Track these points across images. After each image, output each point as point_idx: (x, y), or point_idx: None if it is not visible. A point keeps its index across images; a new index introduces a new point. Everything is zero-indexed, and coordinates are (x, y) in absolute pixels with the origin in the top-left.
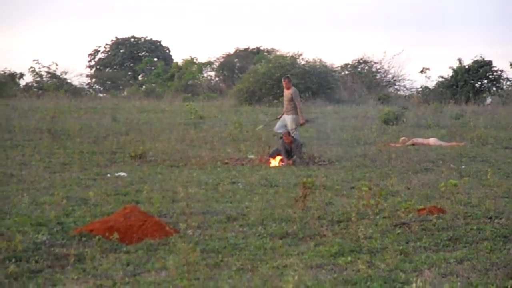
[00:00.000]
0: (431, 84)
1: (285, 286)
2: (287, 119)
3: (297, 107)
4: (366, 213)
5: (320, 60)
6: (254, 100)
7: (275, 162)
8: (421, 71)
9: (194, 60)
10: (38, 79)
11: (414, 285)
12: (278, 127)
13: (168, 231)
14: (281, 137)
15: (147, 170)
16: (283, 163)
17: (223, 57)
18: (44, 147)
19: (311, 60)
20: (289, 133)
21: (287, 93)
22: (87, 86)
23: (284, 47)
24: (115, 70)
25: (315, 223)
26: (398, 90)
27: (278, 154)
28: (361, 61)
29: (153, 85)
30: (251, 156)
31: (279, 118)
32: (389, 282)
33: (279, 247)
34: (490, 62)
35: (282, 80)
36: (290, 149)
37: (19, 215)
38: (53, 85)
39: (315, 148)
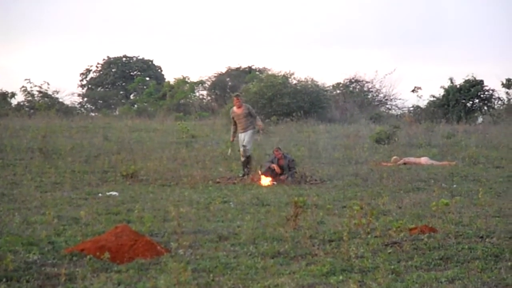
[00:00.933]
0: (423, 103)
1: None
2: (244, 136)
3: (256, 117)
4: (357, 232)
5: (312, 79)
6: None
7: (266, 180)
8: (413, 90)
9: (186, 79)
10: (29, 98)
11: None
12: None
13: (159, 251)
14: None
15: (138, 189)
16: (273, 182)
17: (215, 76)
18: (35, 166)
19: (303, 79)
20: (279, 148)
21: (239, 111)
22: (79, 105)
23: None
24: (107, 89)
25: (307, 242)
26: (390, 109)
27: (269, 173)
28: (352, 80)
29: (145, 104)
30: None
31: (232, 141)
32: None
33: (270, 267)
34: (481, 82)
35: (234, 98)
36: (281, 166)
37: (10, 234)
38: (44, 104)
39: (307, 167)
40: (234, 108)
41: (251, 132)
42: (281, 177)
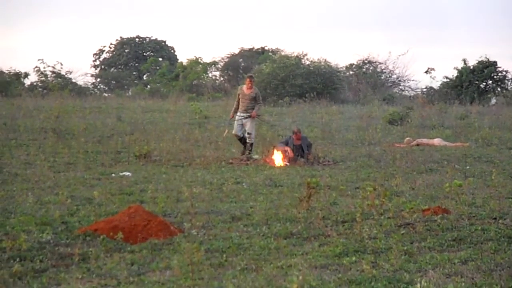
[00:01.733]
0: (436, 84)
1: (289, 286)
2: (247, 121)
3: (259, 104)
4: (370, 214)
5: (325, 60)
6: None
7: (279, 159)
8: (426, 72)
9: (199, 60)
10: (43, 78)
11: (418, 285)
12: (237, 129)
13: (172, 231)
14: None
15: (151, 170)
16: (286, 163)
17: (228, 57)
18: (48, 147)
19: (316, 60)
20: (299, 130)
21: (248, 92)
22: (92, 85)
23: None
24: (120, 70)
25: (320, 223)
26: (403, 90)
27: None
28: (366, 61)
29: (158, 85)
30: (256, 156)
31: (232, 117)
32: (393, 283)
33: (283, 247)
34: (495, 63)
35: (247, 79)
36: (296, 146)
37: (24, 214)
38: (57, 84)
39: (320, 148)
40: (244, 88)
41: (251, 119)
42: (295, 158)
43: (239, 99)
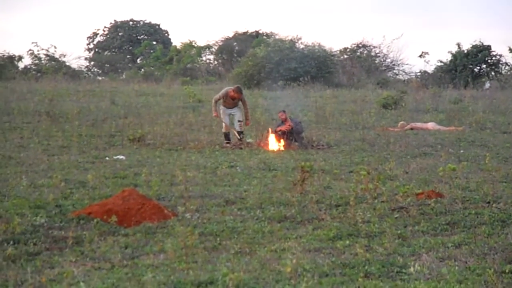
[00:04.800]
0: (430, 68)
1: (283, 269)
2: (236, 111)
3: (246, 109)
4: (364, 197)
5: (319, 44)
6: (253, 84)
7: (274, 144)
8: (420, 56)
9: (193, 44)
10: (36, 61)
11: (412, 269)
12: (229, 122)
13: (166, 214)
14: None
15: (145, 154)
16: (280, 148)
17: (222, 41)
18: (42, 130)
19: (310, 44)
20: (284, 111)
21: (236, 96)
22: (86, 69)
23: (283, 31)
24: (114, 53)
25: (313, 207)
26: (397, 74)
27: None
28: (360, 45)
29: (152, 68)
30: (250, 140)
31: (216, 116)
32: (387, 266)
33: (277, 231)
34: (489, 47)
35: (235, 92)
36: (288, 133)
37: (18, 197)
38: (51, 67)
39: (313, 132)
40: (231, 93)
41: (239, 109)
42: (288, 142)
43: (223, 100)
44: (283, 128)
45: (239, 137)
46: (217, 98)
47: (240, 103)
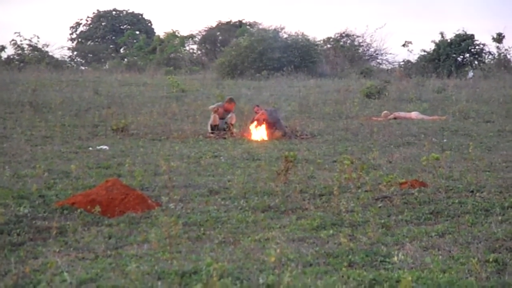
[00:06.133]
0: (413, 58)
1: (267, 259)
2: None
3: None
4: (348, 187)
5: (303, 33)
6: (237, 74)
7: (258, 134)
8: (403, 45)
9: (176, 33)
10: (19, 51)
11: (395, 258)
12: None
13: (150, 205)
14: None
15: (129, 144)
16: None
17: (205, 30)
18: (25, 120)
19: (294, 34)
20: (258, 106)
21: (231, 110)
22: (69, 59)
23: (267, 21)
24: (97, 43)
25: (297, 197)
26: (380, 64)
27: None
28: (343, 34)
29: (135, 58)
30: (234, 130)
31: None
32: (370, 255)
33: (261, 221)
34: (472, 36)
35: (229, 103)
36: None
37: (1, 187)
38: (34, 58)
39: (297, 122)
40: (226, 105)
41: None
42: (271, 131)
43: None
44: (256, 117)
45: (231, 130)
46: (212, 108)
47: (230, 114)
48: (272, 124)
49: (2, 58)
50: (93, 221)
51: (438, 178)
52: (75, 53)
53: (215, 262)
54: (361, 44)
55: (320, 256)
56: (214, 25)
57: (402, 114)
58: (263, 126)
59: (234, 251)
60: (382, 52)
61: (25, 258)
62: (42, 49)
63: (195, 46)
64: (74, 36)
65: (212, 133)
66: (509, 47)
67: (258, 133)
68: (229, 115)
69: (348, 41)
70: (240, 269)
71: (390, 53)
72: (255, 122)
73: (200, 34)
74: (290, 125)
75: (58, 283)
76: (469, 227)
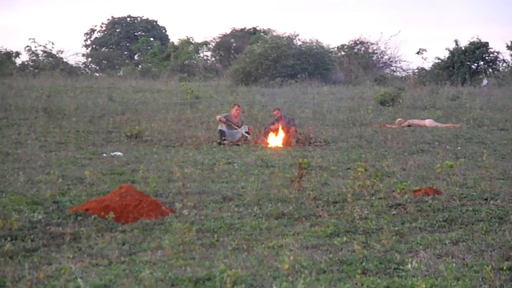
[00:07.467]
0: (428, 65)
1: (280, 266)
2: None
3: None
4: (361, 194)
5: (317, 40)
6: (250, 81)
7: (271, 141)
8: (418, 52)
9: (191, 40)
10: (34, 58)
11: (409, 265)
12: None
13: (164, 211)
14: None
15: (143, 150)
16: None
17: (219, 37)
18: (40, 126)
19: (308, 41)
20: (278, 109)
21: (238, 115)
22: (83, 65)
23: (281, 28)
24: (111, 49)
25: (311, 204)
26: (395, 71)
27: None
28: (357, 42)
29: (149, 64)
30: (248, 136)
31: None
32: (384, 263)
33: (274, 227)
34: (486, 44)
35: (236, 108)
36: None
37: (15, 193)
38: (49, 64)
39: (311, 129)
40: (233, 111)
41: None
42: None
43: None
44: (272, 127)
45: (246, 136)
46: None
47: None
48: (288, 131)
49: (17, 64)
50: (107, 227)
51: (452, 185)
52: (89, 59)
53: (228, 269)
54: (375, 51)
55: (334, 263)
56: (228, 32)
57: (416, 121)
58: (280, 133)
59: (247, 258)
60: (396, 59)
61: (39, 264)
62: (57, 55)
63: (209, 53)
64: (88, 42)
65: (224, 139)
66: None
67: (275, 139)
68: (244, 125)
69: (362, 49)
70: (254, 276)
71: (404, 61)
72: (271, 131)
73: (214, 41)
74: (304, 132)
75: None
76: (483, 235)
